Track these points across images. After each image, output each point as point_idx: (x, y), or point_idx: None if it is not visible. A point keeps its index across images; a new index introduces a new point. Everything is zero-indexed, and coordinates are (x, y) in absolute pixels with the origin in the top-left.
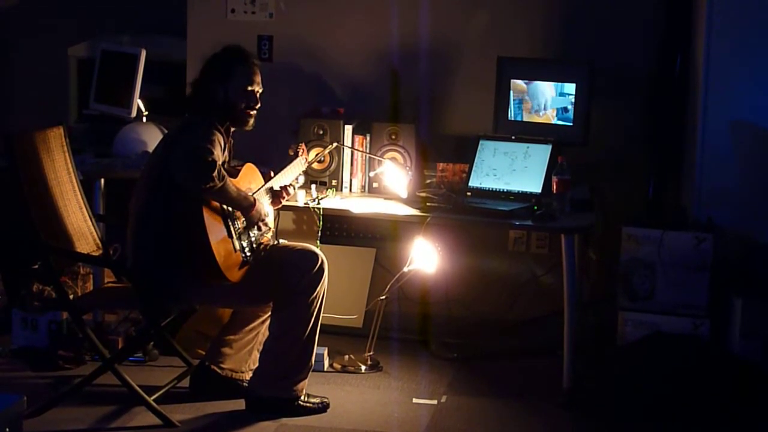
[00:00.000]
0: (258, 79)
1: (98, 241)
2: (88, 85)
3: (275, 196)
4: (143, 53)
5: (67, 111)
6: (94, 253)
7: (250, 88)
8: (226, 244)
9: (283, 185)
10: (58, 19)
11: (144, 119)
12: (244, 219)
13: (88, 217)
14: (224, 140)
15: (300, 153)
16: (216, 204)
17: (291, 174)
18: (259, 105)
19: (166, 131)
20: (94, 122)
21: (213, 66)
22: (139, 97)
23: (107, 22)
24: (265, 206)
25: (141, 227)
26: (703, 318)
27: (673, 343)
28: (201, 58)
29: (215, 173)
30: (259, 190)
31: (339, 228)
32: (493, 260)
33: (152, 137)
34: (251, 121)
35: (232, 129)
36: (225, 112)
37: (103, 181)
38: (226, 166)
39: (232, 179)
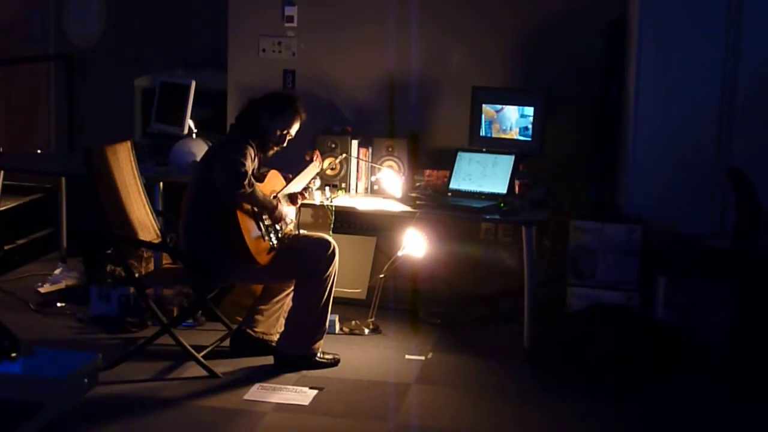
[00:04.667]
0: (295, 128)
1: (158, 231)
2: (150, 109)
3: (294, 196)
4: (193, 84)
5: (134, 129)
6: (154, 241)
7: (286, 132)
8: (256, 235)
9: (302, 187)
10: (126, 56)
11: (194, 136)
12: (269, 217)
13: (149, 213)
14: (255, 153)
15: (315, 158)
16: (248, 206)
17: (307, 176)
18: (284, 146)
19: (210, 144)
20: (155, 138)
21: (274, 99)
22: (190, 118)
23: (165, 58)
24: (286, 207)
25: (191, 221)
26: (634, 292)
27: (610, 312)
28: (238, 88)
29: (246, 182)
30: (280, 192)
31: (347, 221)
32: (468, 246)
33: (200, 150)
34: (271, 153)
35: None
36: (259, 135)
37: (161, 184)
38: (255, 173)
39: (258, 183)
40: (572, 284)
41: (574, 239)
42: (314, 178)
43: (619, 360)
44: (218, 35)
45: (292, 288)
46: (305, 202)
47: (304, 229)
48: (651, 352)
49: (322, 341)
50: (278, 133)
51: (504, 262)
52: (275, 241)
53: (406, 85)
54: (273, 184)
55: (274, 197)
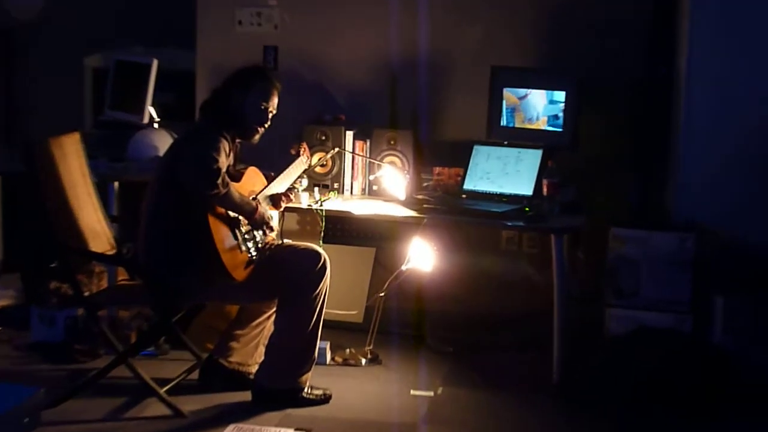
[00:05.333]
0: (275, 101)
1: (112, 240)
2: (103, 94)
3: (277, 198)
4: (155, 63)
5: (83, 118)
6: (108, 252)
7: (264, 105)
8: (231, 245)
9: (286, 187)
10: (74, 31)
11: (155, 125)
12: (248, 222)
13: (102, 218)
14: (230, 147)
15: (301, 152)
16: (221, 210)
17: (293, 174)
18: (268, 124)
19: (175, 136)
20: (109, 128)
21: (237, 76)
22: (151, 105)
23: (121, 33)
24: (268, 209)
25: (152, 228)
26: (685, 314)
27: (656, 337)
28: (210, 68)
29: (219, 181)
30: (261, 192)
31: (341, 228)
32: (486, 259)
33: (163, 142)
34: (257, 137)
35: (238, 140)
36: (235, 121)
37: (117, 184)
38: (231, 169)
39: (235, 183)
40: (611, 304)
41: (614, 250)
42: (301, 176)
43: (665, 394)
44: (185, 4)
45: (274, 309)
46: (290, 205)
47: (288, 238)
48: (702, 385)
49: (309, 373)
50: (256, 110)
51: (529, 277)
52: (254, 253)
53: (411, 65)
54: (252, 183)
55: (253, 199)
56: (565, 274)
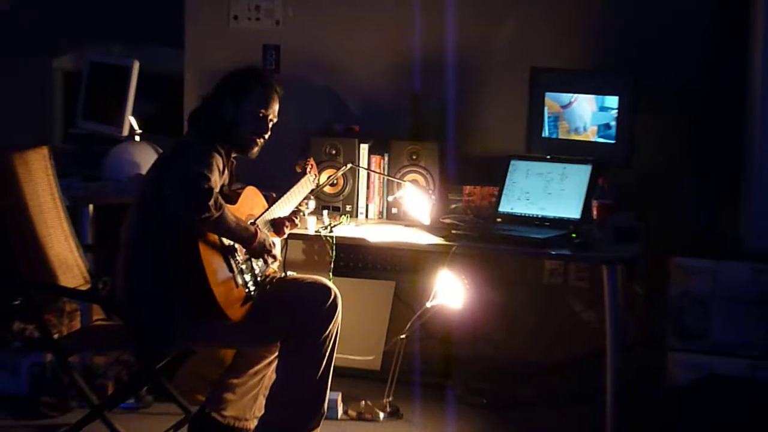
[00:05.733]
0: (275, 107)
1: (86, 273)
2: (75, 101)
3: (279, 223)
4: (136, 65)
5: (52, 130)
6: (81, 288)
7: (263, 113)
8: (226, 278)
9: (290, 210)
10: (41, 28)
11: (137, 138)
12: (245, 251)
13: (74, 248)
14: (223, 163)
15: (308, 170)
16: (214, 235)
17: (298, 195)
18: (268, 134)
19: (160, 152)
20: (82, 142)
21: (229, 80)
22: (132, 115)
23: (96, 30)
24: (269, 236)
25: (133, 259)
26: (763, 359)
27: (729, 387)
28: (200, 71)
29: (211, 202)
30: (261, 216)
31: (354, 259)
32: (526, 294)
33: (146, 159)
34: (256, 149)
35: (234, 154)
36: (229, 132)
37: (91, 207)
38: (225, 189)
39: (231, 205)
40: (674, 348)
41: (678, 284)
42: (307, 197)
43: None
44: None
45: (276, 355)
46: (295, 231)
47: (293, 269)
48: None
49: (317, 430)
50: (254, 118)
51: (577, 316)
52: (253, 287)
53: (436, 66)
54: (250, 205)
55: (252, 224)
56: (619, 312)
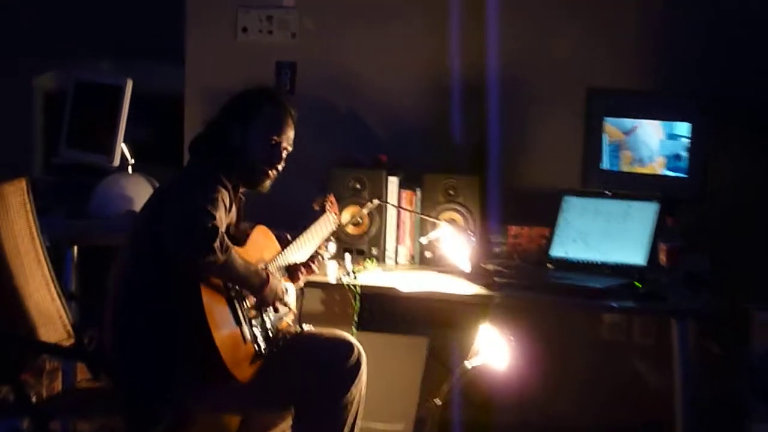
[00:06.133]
0: (290, 133)
1: (69, 326)
2: (58, 126)
3: (294, 269)
4: (129, 84)
5: (31, 159)
6: (63, 343)
7: (276, 140)
8: (232, 332)
9: (308, 255)
10: (19, 41)
11: (129, 169)
12: (255, 300)
13: (56, 296)
14: (230, 199)
15: (328, 208)
16: (219, 281)
17: (317, 236)
18: (282, 165)
19: (157, 185)
20: (66, 173)
21: (237, 102)
22: (124, 142)
23: (83, 44)
24: (284, 282)
25: (124, 309)
26: None
27: None
28: (203, 91)
29: (217, 244)
30: (273, 261)
31: (381, 311)
32: (581, 353)
33: (140, 193)
34: (267, 183)
35: (242, 188)
36: (237, 163)
37: (76, 249)
38: (232, 229)
39: (239, 248)
40: (757, 417)
41: (761, 341)
42: (327, 239)
43: None
44: (170, 5)
45: (290, 422)
46: (312, 278)
47: (310, 323)
48: None
49: None
50: (265, 146)
51: (642, 377)
52: (263, 343)
53: (476, 88)
54: (260, 248)
55: (263, 269)
56: (691, 374)
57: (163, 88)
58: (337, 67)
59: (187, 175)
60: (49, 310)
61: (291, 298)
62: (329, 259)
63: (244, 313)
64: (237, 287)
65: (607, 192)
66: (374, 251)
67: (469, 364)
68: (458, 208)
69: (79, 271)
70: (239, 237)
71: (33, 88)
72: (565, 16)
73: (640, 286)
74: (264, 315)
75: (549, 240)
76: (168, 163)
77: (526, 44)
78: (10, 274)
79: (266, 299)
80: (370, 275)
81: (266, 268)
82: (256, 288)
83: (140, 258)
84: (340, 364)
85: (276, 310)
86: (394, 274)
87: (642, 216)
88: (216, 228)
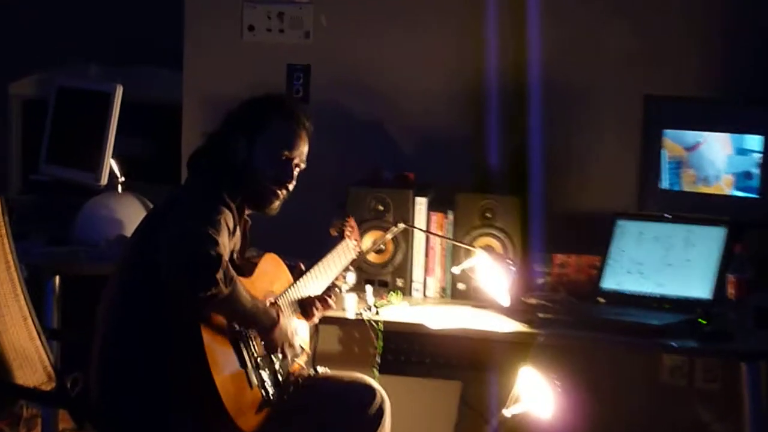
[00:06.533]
0: (303, 147)
1: (50, 368)
2: (38, 138)
3: (308, 303)
4: (119, 91)
5: (6, 175)
6: (43, 387)
7: (286, 155)
8: (237, 375)
9: (324, 287)
10: None
11: (119, 188)
12: (262, 340)
13: (35, 333)
14: (235, 222)
15: (347, 233)
16: (221, 318)
17: (333, 267)
18: (293, 184)
19: (151, 206)
20: (46, 192)
21: (242, 111)
22: (113, 156)
23: (66, 46)
24: (295, 321)
25: (112, 349)
26: None
27: None
28: (203, 99)
29: (219, 275)
30: (284, 294)
31: (407, 351)
32: (636, 399)
33: (131, 215)
34: (277, 204)
35: (248, 210)
36: (242, 180)
37: (58, 279)
38: (236, 257)
39: (245, 279)
40: None
41: None
42: (346, 269)
43: None
44: (166, 4)
45: None
46: (329, 314)
47: (326, 364)
48: None
49: None
50: (274, 162)
51: (706, 427)
52: (271, 389)
53: (516, 96)
54: (269, 279)
55: (272, 304)
56: (763, 423)
57: (158, 95)
58: (356, 71)
59: (186, 195)
60: (26, 350)
61: (304, 336)
62: (348, 291)
63: (251, 355)
64: (242, 326)
65: (666, 215)
66: (399, 283)
67: (508, 412)
68: (496, 233)
69: (62, 304)
70: (245, 266)
71: (9, 95)
72: (616, 14)
73: (705, 323)
74: (272, 356)
75: (600, 270)
76: (163, 180)
77: (572, 45)
78: None
79: (275, 342)
80: (395, 310)
81: (276, 304)
82: (264, 328)
83: (132, 290)
84: (360, 413)
85: (284, 356)
86: (422, 309)
87: (707, 243)
88: (219, 256)
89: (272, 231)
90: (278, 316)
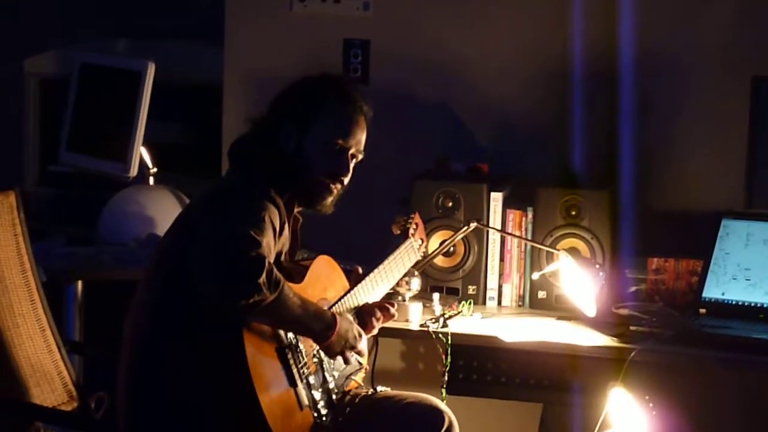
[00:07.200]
0: (360, 136)
1: (71, 386)
2: (58, 123)
3: (367, 312)
4: (151, 70)
5: (22, 165)
6: (63, 407)
7: (341, 144)
8: (285, 395)
9: (384, 293)
10: (9, 16)
11: (151, 180)
12: (316, 350)
13: (54, 347)
14: (281, 220)
15: (411, 232)
16: (267, 327)
17: (396, 271)
18: (348, 177)
19: (187, 201)
20: (67, 185)
21: (292, 94)
22: (144, 144)
23: (90, 18)
24: (356, 325)
25: (143, 365)
26: None
27: None
28: (246, 79)
29: (262, 279)
30: (339, 302)
31: (480, 368)
32: (743, 424)
33: (164, 211)
34: (330, 199)
35: (298, 207)
36: (291, 172)
37: (80, 284)
38: (285, 260)
39: (294, 285)
40: None
41: None
42: (409, 273)
43: None
44: None
45: None
46: (389, 325)
47: (386, 383)
48: None
49: None
50: (327, 152)
51: None
52: (324, 410)
53: (605, 77)
54: (322, 285)
55: (329, 310)
56: None
57: (195, 74)
58: (423, 49)
59: (225, 189)
60: (44, 365)
61: (361, 350)
62: (412, 299)
63: (301, 371)
64: (293, 333)
65: None
66: (471, 290)
67: None
68: (582, 233)
69: (84, 313)
70: (294, 270)
71: (24, 73)
72: None
73: None
74: (326, 372)
75: (702, 277)
76: (201, 172)
77: (669, 22)
78: None
79: (333, 348)
80: (466, 322)
81: (332, 311)
82: (319, 334)
83: (164, 298)
84: None
85: (346, 362)
86: (496, 321)
87: None
88: (261, 258)
89: (326, 230)
90: (335, 319)
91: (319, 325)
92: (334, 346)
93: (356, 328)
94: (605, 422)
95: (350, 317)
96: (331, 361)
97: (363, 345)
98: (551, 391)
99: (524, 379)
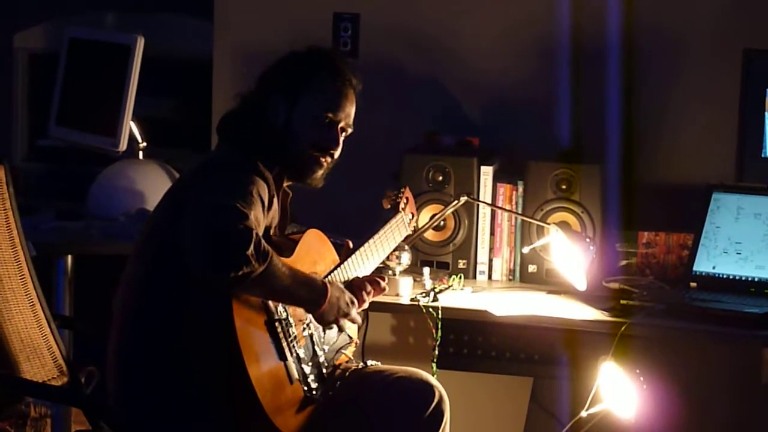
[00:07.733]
0: (349, 109)
1: (61, 361)
2: (47, 98)
3: (357, 286)
4: (140, 44)
5: (10, 140)
6: (53, 382)
7: (331, 117)
8: (275, 368)
9: (374, 267)
10: None
11: (140, 155)
12: (306, 323)
13: (44, 322)
14: (270, 194)
15: (402, 206)
16: (257, 299)
17: (386, 245)
18: (338, 150)
19: (177, 175)
20: (56, 160)
21: (281, 68)
22: (133, 118)
23: None
24: (348, 293)
25: (132, 338)
26: None
27: None
28: (235, 53)
29: (250, 251)
30: (329, 275)
31: (470, 342)
32: (733, 399)
33: (154, 186)
34: (320, 173)
35: (287, 182)
36: (280, 146)
37: (70, 259)
38: (274, 233)
39: (283, 259)
40: None
41: None
42: (400, 247)
43: None
44: None
45: None
46: (380, 299)
47: (376, 357)
48: None
49: None
50: (317, 125)
51: None
52: (314, 384)
53: (597, 51)
54: (312, 258)
55: (321, 279)
56: None
57: (185, 48)
58: (413, 23)
59: (214, 163)
60: (34, 340)
61: (353, 324)
62: (402, 273)
63: (290, 344)
64: (282, 306)
65: None
66: (461, 264)
67: (585, 412)
68: (573, 207)
69: (74, 288)
70: (283, 244)
71: (13, 48)
72: None
73: None
74: (316, 346)
75: (693, 250)
76: (191, 146)
77: None
78: None
79: (326, 316)
80: (456, 296)
81: (324, 278)
82: (311, 303)
83: (154, 273)
84: (415, 413)
85: (341, 330)
86: (486, 295)
87: None
88: (249, 230)
89: (316, 205)
90: (327, 288)
91: (311, 294)
92: (327, 314)
93: (348, 295)
94: (596, 396)
95: (341, 286)
96: (321, 335)
97: (356, 313)
98: (542, 365)
99: (515, 353)
